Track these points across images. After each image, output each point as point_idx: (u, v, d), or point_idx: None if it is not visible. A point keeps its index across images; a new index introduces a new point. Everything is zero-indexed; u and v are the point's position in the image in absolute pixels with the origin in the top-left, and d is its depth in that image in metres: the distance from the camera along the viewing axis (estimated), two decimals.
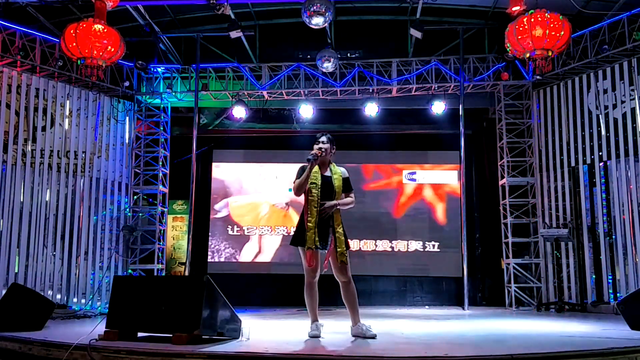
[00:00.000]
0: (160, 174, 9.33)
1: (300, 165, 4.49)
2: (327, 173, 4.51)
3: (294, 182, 4.43)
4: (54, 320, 6.00)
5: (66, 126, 8.42)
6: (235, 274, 9.86)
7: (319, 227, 4.33)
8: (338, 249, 4.33)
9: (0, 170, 7.57)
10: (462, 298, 8.55)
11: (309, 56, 9.14)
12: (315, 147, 4.48)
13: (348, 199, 4.52)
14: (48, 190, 8.14)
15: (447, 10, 8.89)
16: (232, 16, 7.88)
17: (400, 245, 9.97)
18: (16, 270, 7.64)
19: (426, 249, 9.93)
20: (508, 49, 6.26)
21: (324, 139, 4.52)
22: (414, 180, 10.17)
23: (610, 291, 7.73)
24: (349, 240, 4.51)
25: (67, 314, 6.98)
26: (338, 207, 4.43)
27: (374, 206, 9.98)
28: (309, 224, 4.31)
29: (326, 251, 4.42)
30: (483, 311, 8.09)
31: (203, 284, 3.91)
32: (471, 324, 6.12)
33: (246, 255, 10.13)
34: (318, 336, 4.33)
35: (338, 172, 4.53)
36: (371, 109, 9.21)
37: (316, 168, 4.43)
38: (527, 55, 6.00)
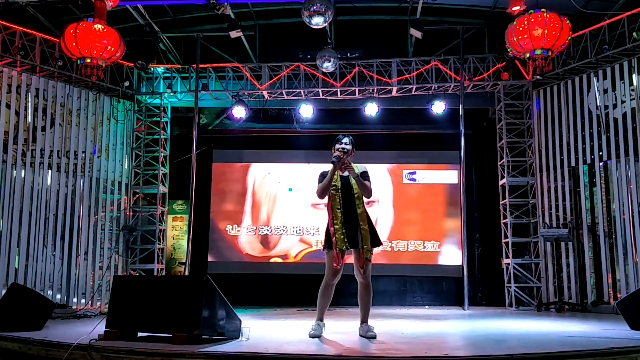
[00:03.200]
0: (160, 174, 9.33)
1: (321, 169, 4.55)
2: (346, 174, 4.53)
3: (318, 186, 4.49)
4: (54, 320, 6.01)
5: (66, 126, 8.43)
6: (235, 274, 9.86)
7: (346, 227, 4.37)
8: (364, 246, 4.35)
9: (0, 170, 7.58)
10: (462, 298, 8.55)
11: (309, 56, 9.13)
12: (338, 146, 4.50)
13: (366, 181, 4.48)
14: (48, 190, 8.15)
15: (447, 10, 8.88)
16: (232, 16, 7.88)
17: (400, 245, 9.97)
18: (16, 270, 7.64)
19: (426, 249, 9.93)
20: (509, 50, 6.27)
21: (346, 140, 4.53)
22: (414, 180, 10.17)
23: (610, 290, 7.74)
24: (378, 236, 4.53)
25: (67, 314, 6.98)
26: (356, 179, 4.40)
27: (374, 206, 9.98)
28: (335, 226, 4.36)
29: (354, 250, 4.44)
30: (483, 311, 8.08)
31: (203, 284, 3.91)
32: (471, 324, 6.12)
33: (246, 255, 10.13)
34: (318, 336, 4.34)
35: (357, 170, 4.53)
36: (371, 109, 9.22)
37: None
38: (527, 55, 6.00)
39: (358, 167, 4.57)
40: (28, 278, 7.70)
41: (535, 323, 5.99)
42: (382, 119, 9.61)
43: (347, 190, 4.46)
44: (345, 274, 4.56)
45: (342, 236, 4.34)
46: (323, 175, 4.51)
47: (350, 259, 4.51)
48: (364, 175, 4.53)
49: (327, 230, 4.49)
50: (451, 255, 9.84)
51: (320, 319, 4.52)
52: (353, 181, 4.48)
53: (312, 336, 4.34)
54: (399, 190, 10.13)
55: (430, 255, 9.92)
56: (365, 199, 4.54)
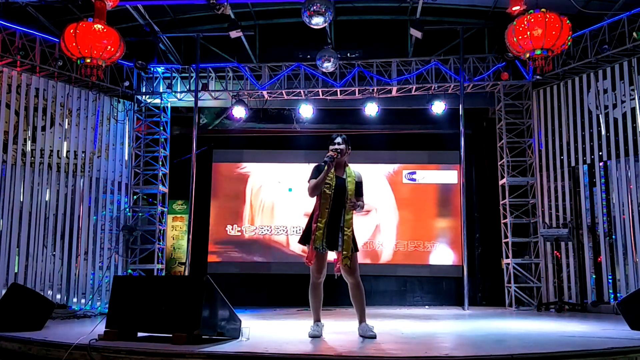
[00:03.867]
0: (160, 174, 9.33)
1: (314, 164, 4.50)
2: (342, 175, 4.50)
3: (309, 182, 4.43)
4: (54, 320, 6.00)
5: (66, 126, 8.42)
6: (235, 274, 9.86)
7: (329, 228, 4.34)
8: (344, 252, 4.32)
9: (0, 170, 7.57)
10: (462, 298, 8.55)
11: (309, 56, 9.13)
12: (331, 147, 4.46)
13: (362, 202, 4.48)
14: (48, 190, 8.14)
15: (447, 10, 8.88)
16: (232, 16, 7.88)
17: (400, 245, 9.97)
18: (16, 270, 7.64)
19: (426, 249, 9.93)
20: (509, 49, 6.27)
21: (339, 140, 4.49)
22: (414, 180, 10.17)
23: (611, 291, 7.74)
24: (357, 242, 4.50)
25: (67, 314, 6.98)
26: (358, 209, 4.37)
27: (374, 206, 9.98)
28: (319, 224, 4.32)
29: (335, 252, 4.41)
30: (483, 311, 8.08)
31: (203, 284, 3.91)
32: (471, 324, 6.13)
33: (246, 255, 10.13)
34: (318, 336, 4.34)
35: (352, 175, 4.51)
36: (371, 109, 9.22)
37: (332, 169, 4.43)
38: (527, 55, 6.01)
39: (355, 173, 4.55)
40: (28, 278, 7.70)
41: (535, 323, 5.99)
42: (382, 119, 9.61)
43: (341, 192, 4.41)
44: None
45: (322, 236, 4.31)
46: (318, 169, 4.44)
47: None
48: (359, 188, 4.50)
49: (309, 226, 4.44)
50: (451, 255, 9.85)
51: (317, 319, 4.51)
52: (348, 184, 4.43)
53: (312, 336, 4.34)
54: (399, 191, 10.13)
55: (430, 255, 9.92)
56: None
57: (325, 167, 4.38)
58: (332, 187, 4.39)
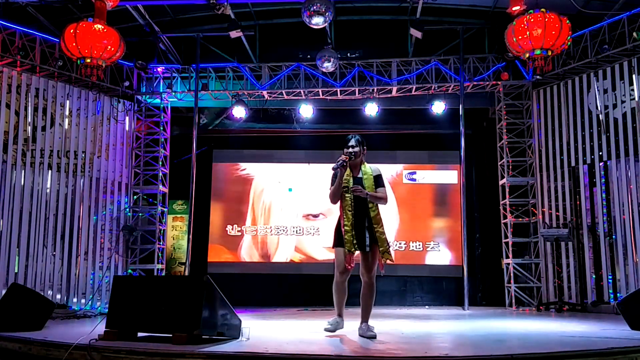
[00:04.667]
0: (160, 174, 9.34)
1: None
2: (359, 175, 4.51)
3: (330, 189, 4.46)
4: (54, 320, 6.00)
5: (66, 126, 8.43)
6: (235, 274, 9.86)
7: (356, 229, 4.36)
8: (381, 248, 4.34)
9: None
10: (462, 298, 8.55)
11: (309, 56, 9.13)
12: (345, 150, 4.48)
13: (379, 193, 4.48)
14: (48, 190, 8.14)
15: (447, 10, 8.88)
16: (232, 16, 7.88)
17: (400, 245, 9.97)
18: (16, 270, 7.64)
19: (426, 249, 9.93)
20: (508, 49, 6.28)
21: (353, 142, 4.51)
22: (414, 180, 10.17)
23: (611, 291, 7.74)
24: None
25: (67, 314, 6.98)
26: (368, 197, 4.39)
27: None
28: (345, 227, 4.35)
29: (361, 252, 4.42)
30: (483, 311, 8.08)
31: (203, 284, 3.91)
32: (471, 324, 6.12)
33: (246, 255, 10.13)
34: (332, 331, 4.45)
35: (368, 171, 4.52)
36: (371, 109, 9.22)
37: (347, 171, 4.45)
38: (527, 55, 6.01)
39: (371, 168, 4.56)
40: (28, 278, 7.70)
41: (535, 323, 5.99)
42: (382, 119, 9.61)
43: None
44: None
45: (352, 238, 4.33)
46: (335, 176, 4.46)
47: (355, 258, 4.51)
48: (378, 180, 4.51)
49: (338, 230, 4.47)
50: (451, 255, 9.84)
51: (339, 314, 4.58)
52: (365, 182, 4.45)
53: (327, 330, 4.44)
54: (399, 190, 10.12)
55: (430, 255, 9.92)
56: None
57: (339, 173, 4.39)
58: (349, 189, 4.41)
